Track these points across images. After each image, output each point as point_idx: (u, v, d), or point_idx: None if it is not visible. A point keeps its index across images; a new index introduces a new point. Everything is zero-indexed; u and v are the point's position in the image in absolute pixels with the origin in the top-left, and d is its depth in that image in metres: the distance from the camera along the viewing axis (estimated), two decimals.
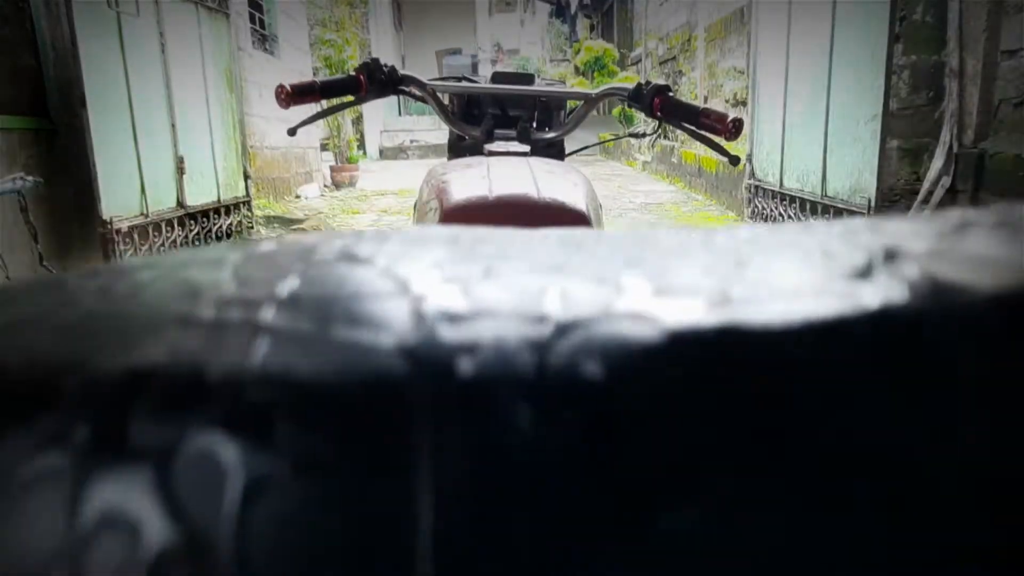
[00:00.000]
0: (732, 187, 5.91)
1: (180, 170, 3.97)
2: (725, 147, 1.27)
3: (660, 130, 1.34)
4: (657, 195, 7.44)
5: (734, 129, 1.16)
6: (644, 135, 1.37)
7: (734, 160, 1.32)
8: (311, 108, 1.33)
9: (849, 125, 3.61)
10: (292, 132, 1.35)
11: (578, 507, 0.12)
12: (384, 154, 15.11)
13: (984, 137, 4.35)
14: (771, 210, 4.63)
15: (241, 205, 4.80)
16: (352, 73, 1.28)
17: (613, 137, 1.64)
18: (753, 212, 4.98)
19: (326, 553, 0.12)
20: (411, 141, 14.69)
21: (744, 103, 6.32)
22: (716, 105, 7.46)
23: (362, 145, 13.28)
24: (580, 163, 1.37)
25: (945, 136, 4.53)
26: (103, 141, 3.22)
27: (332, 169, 8.60)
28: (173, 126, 3.91)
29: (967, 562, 0.12)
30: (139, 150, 3.55)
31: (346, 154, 8.95)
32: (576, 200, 0.89)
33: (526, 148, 1.17)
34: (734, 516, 0.12)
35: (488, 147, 1.17)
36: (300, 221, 5.73)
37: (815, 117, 3.92)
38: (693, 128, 1.22)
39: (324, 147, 9.27)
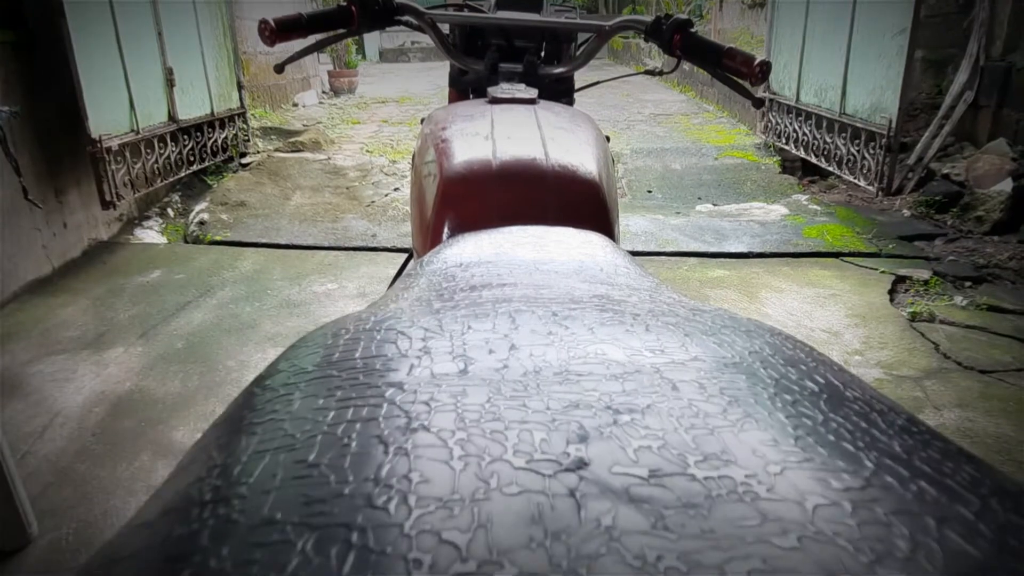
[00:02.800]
0: (745, 99, 5.68)
1: (170, 82, 3.80)
2: (749, 90, 1.17)
3: (677, 67, 1.23)
4: (667, 105, 7.17)
5: (761, 73, 1.06)
6: (660, 73, 1.27)
7: (758, 103, 1.22)
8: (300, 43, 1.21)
9: (874, 38, 3.40)
10: (279, 69, 1.24)
11: None
12: (384, 56, 14.51)
13: (1013, 50, 4.11)
14: (785, 126, 4.46)
15: (236, 117, 4.63)
16: (343, 3, 1.17)
17: (628, 74, 1.51)
18: (767, 127, 4.80)
19: None
20: (412, 43, 14.08)
21: (762, 4, 5.97)
22: (731, 3, 7.06)
23: (361, 48, 12.73)
24: (585, 68, 1.28)
25: (972, 47, 4.29)
26: (86, 53, 3.05)
27: (330, 75, 8.27)
28: (159, 34, 3.70)
29: None
30: (125, 62, 3.37)
31: (344, 58, 8.58)
32: (587, 165, 0.81)
33: (533, 93, 1.07)
34: None
35: (492, 92, 1.07)
36: (298, 132, 5.56)
37: (838, 27, 3.69)
38: (717, 69, 1.12)
39: (321, 50, 8.88)
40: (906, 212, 3.91)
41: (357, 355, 0.26)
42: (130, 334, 2.60)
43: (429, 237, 0.82)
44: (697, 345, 0.30)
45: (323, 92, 8.08)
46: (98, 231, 3.49)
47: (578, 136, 0.91)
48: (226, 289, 3.00)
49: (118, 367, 2.37)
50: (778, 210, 3.98)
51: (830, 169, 3.94)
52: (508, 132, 0.90)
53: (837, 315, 2.70)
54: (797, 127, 4.26)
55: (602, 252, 0.63)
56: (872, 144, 3.45)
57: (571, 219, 0.78)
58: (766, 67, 1.06)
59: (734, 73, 1.09)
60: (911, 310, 2.71)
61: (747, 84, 1.12)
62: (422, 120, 1.14)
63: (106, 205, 3.25)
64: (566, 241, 0.66)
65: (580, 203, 0.79)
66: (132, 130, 3.46)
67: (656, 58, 9.13)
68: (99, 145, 3.16)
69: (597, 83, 1.41)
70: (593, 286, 0.49)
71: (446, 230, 0.79)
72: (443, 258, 0.62)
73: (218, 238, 3.63)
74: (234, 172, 4.53)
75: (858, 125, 3.54)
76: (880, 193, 3.46)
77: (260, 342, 2.55)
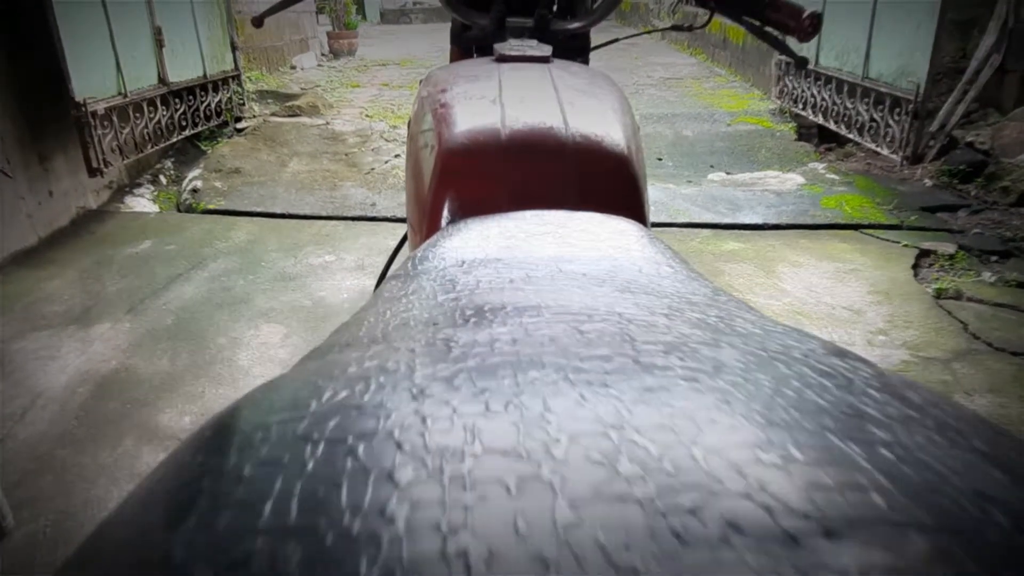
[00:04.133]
0: (759, 62, 5.46)
1: (159, 43, 3.62)
2: (793, 50, 1.03)
3: (709, 22, 1.08)
4: (677, 68, 6.94)
5: (811, 27, 0.92)
6: (691, 28, 1.12)
7: (802, 62, 1.07)
8: None
9: None
10: (258, 23, 1.10)
11: None
12: (385, 17, 14.15)
13: None
14: (802, 91, 4.27)
15: (230, 80, 4.46)
16: None
17: (653, 29, 1.34)
18: (782, 92, 4.61)
19: None
20: (415, 3, 13.70)
21: None
22: None
23: (361, 8, 12.39)
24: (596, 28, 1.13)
25: (1001, 8, 4.07)
26: (67, 11, 2.88)
27: (329, 36, 8.03)
28: None
29: None
30: (110, 20, 3.20)
31: (343, 19, 8.32)
32: (613, 135, 0.68)
33: (547, 51, 0.93)
34: None
35: (500, 49, 0.93)
36: (296, 96, 5.37)
37: None
38: (757, 23, 0.98)
39: (320, 10, 8.61)
40: (928, 182, 3.75)
41: (316, 466, 0.18)
42: (118, 309, 2.48)
43: (426, 221, 0.70)
44: (808, 431, 0.19)
45: (322, 54, 7.85)
46: (86, 199, 3.35)
47: (601, 101, 0.77)
48: (218, 261, 2.88)
49: (104, 344, 2.26)
50: (794, 179, 3.83)
51: (850, 136, 3.77)
52: (519, 95, 0.77)
53: (859, 291, 2.57)
54: (815, 92, 4.07)
55: (638, 246, 0.51)
56: (897, 110, 3.28)
57: (595, 201, 0.65)
58: (817, 21, 0.91)
59: (778, 27, 0.95)
60: (936, 286, 2.58)
61: (791, 40, 0.98)
62: (421, 82, 1.00)
63: (93, 172, 3.11)
64: (593, 231, 0.53)
65: (606, 182, 0.66)
66: (119, 93, 3.30)
67: (665, 19, 8.84)
68: (84, 109, 3.01)
69: (616, 40, 1.26)
70: (636, 300, 0.36)
71: (445, 213, 0.67)
72: (441, 254, 0.49)
73: (211, 207, 3.50)
74: (229, 137, 4.37)
75: (882, 90, 3.36)
76: (905, 162, 3.30)
77: (253, 318, 2.44)
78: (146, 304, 2.52)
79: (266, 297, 2.59)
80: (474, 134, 0.71)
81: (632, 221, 0.58)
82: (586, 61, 1.18)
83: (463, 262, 0.45)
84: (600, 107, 0.77)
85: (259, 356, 2.20)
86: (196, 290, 2.63)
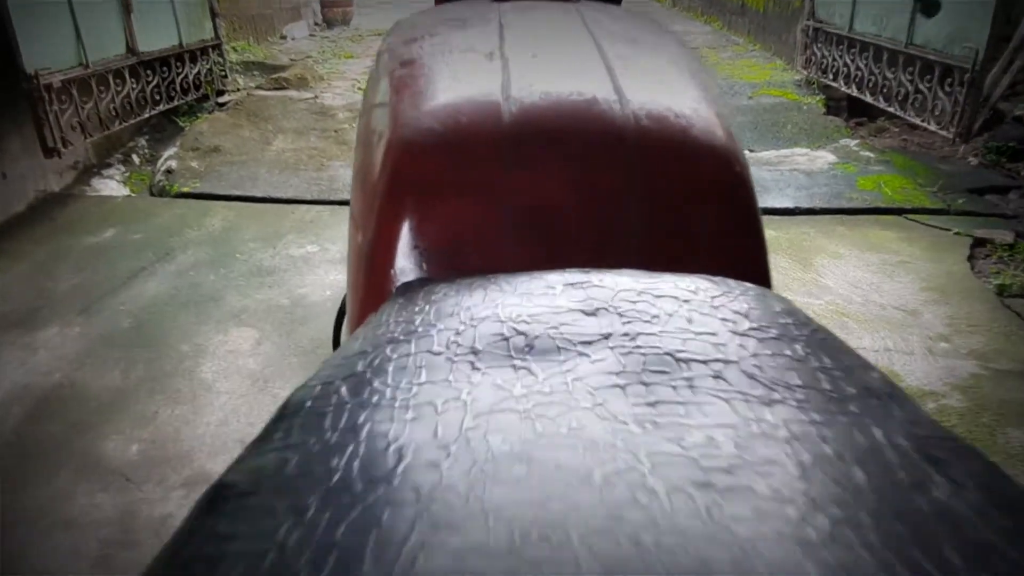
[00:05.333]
0: (783, 29, 5.08)
1: (126, 7, 3.28)
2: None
3: None
4: (691, 37, 6.55)
5: None
6: None
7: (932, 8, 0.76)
8: None
9: None
10: None
11: None
12: None
13: None
14: (834, 59, 3.91)
15: (210, 49, 4.12)
16: None
17: None
18: (808, 61, 4.25)
19: None
20: None
21: None
22: None
23: None
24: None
25: None
26: None
27: (323, 4, 7.63)
28: None
29: None
30: None
31: None
32: (703, 116, 0.39)
33: None
34: None
35: None
36: (283, 68, 5.03)
37: None
38: None
39: None
40: (972, 160, 3.41)
41: None
42: (69, 309, 2.19)
43: (363, 274, 0.41)
44: None
45: (315, 24, 7.47)
46: (47, 182, 3.05)
47: (669, 60, 0.47)
48: (188, 252, 2.58)
49: (49, 353, 1.97)
50: (825, 157, 3.49)
51: (889, 110, 3.43)
52: (532, 49, 0.47)
53: (910, 288, 2.27)
54: (849, 60, 3.72)
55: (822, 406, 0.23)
56: (948, 80, 2.94)
57: (680, 245, 0.36)
58: None
59: None
60: (998, 282, 2.28)
61: None
62: (385, 34, 0.69)
63: (49, 152, 2.80)
64: (700, 342, 0.27)
65: (698, 205, 0.37)
66: (80, 64, 2.97)
67: None
68: (36, 82, 2.69)
69: None
70: None
71: (396, 266, 0.38)
72: (385, 403, 0.25)
73: (186, 189, 3.19)
74: (209, 113, 4.05)
75: (931, 58, 3.02)
76: (957, 139, 2.97)
77: (222, 320, 2.14)
78: (102, 304, 2.22)
79: (239, 295, 2.30)
80: (453, 115, 0.41)
81: (778, 297, 0.29)
82: (618, 2, 0.86)
83: (422, 443, 0.22)
84: (670, 69, 0.47)
85: (225, 367, 1.91)
86: (160, 287, 2.34)
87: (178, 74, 3.77)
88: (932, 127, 3.09)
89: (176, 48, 3.74)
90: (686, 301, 0.28)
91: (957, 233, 2.64)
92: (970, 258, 2.48)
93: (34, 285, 2.35)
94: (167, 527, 1.41)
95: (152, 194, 3.24)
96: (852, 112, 4.05)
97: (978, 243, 2.58)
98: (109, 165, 3.44)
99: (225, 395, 1.80)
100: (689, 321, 0.27)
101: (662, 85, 0.44)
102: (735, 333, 0.26)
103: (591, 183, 0.38)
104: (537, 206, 0.38)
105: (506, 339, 0.26)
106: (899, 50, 3.22)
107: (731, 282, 0.31)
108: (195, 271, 2.44)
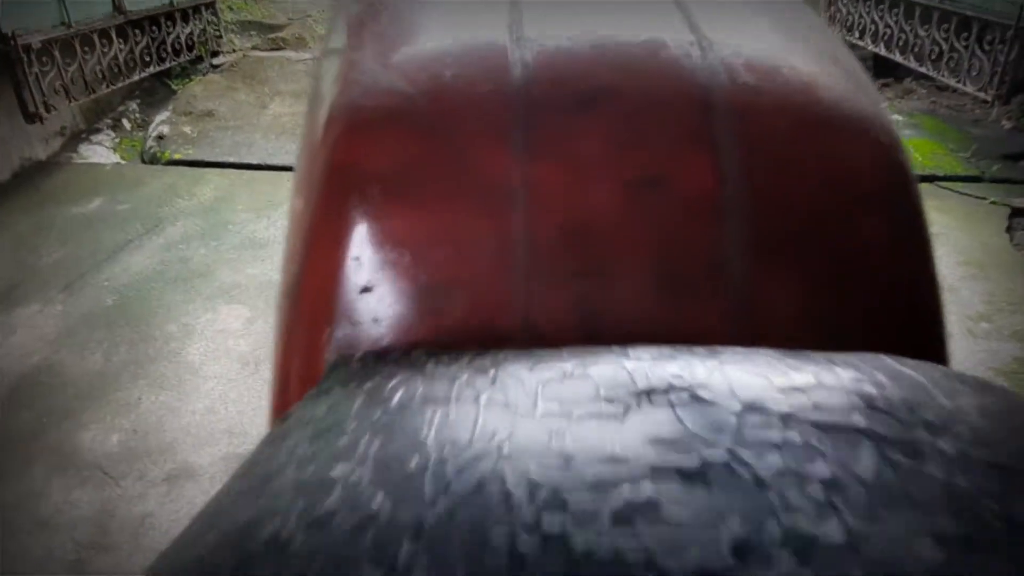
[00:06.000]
0: None
1: None
2: None
3: None
4: None
5: None
6: None
7: None
8: None
9: None
10: None
11: None
12: None
13: None
14: (860, 16, 3.69)
15: (203, 8, 3.92)
16: None
17: None
18: (832, 18, 4.02)
19: None
20: None
21: None
22: None
23: None
24: None
25: None
26: None
27: None
28: None
29: None
30: None
31: None
32: (838, 77, 0.25)
33: None
34: None
35: None
36: (281, 27, 4.83)
37: None
38: None
39: None
40: (1006, 123, 3.22)
41: None
42: (51, 285, 2.08)
43: (286, 331, 0.28)
44: None
45: None
46: (32, 149, 2.91)
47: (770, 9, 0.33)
48: (178, 224, 2.45)
49: (28, 332, 1.86)
50: None
51: (921, 70, 3.23)
52: None
53: (946, 262, 2.11)
54: (877, 17, 3.50)
55: None
56: (988, 38, 2.74)
57: (812, 287, 0.23)
58: None
59: None
60: None
61: None
62: None
63: (30, 118, 2.66)
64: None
65: (842, 220, 0.24)
66: (62, 23, 2.81)
67: None
68: (14, 43, 2.53)
69: None
70: None
71: (335, 331, 0.25)
72: None
73: (177, 156, 3.05)
74: (203, 75, 3.87)
75: (968, 14, 2.81)
76: (996, 102, 2.78)
77: (211, 297, 2.02)
78: (85, 280, 2.11)
79: (230, 269, 2.17)
80: (432, 68, 0.28)
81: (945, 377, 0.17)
82: None
83: None
84: (776, 16, 0.33)
85: (214, 349, 1.80)
86: (147, 261, 2.21)
87: (169, 34, 3.59)
88: (968, 88, 2.90)
89: (167, 6, 3.55)
90: (885, 437, 0.15)
91: (993, 202, 2.49)
92: (1008, 229, 2.33)
93: (15, 259, 2.23)
94: (146, 527, 1.31)
95: (143, 161, 3.10)
96: (878, 73, 3.84)
97: (1016, 213, 2.41)
98: (98, 131, 3.29)
99: (213, 380, 1.69)
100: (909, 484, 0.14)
101: (765, 31, 0.30)
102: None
103: (657, 180, 0.25)
104: (571, 221, 0.25)
105: (519, 560, 0.13)
106: (933, 5, 3.01)
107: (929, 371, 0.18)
108: (185, 244, 2.32)
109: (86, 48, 2.97)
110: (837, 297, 0.27)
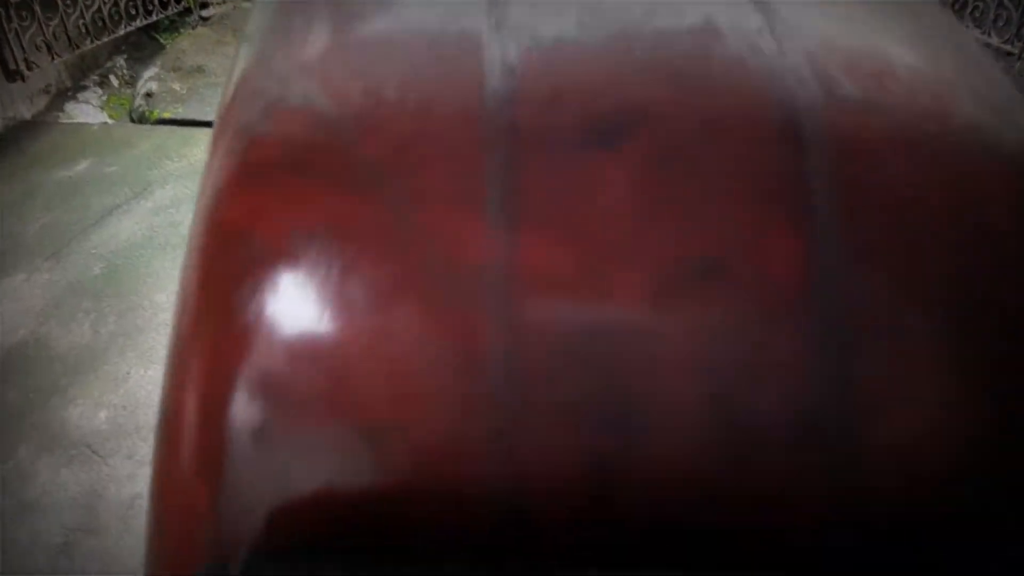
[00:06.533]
0: None
1: None
2: None
3: None
4: None
5: None
6: None
7: None
8: None
9: None
10: None
11: None
12: None
13: None
14: None
15: None
16: None
17: None
18: None
19: None
20: None
21: None
22: None
23: None
24: None
25: None
26: None
27: None
28: None
29: None
30: None
31: None
32: (973, 89, 0.18)
33: None
34: None
35: None
36: None
37: None
38: None
39: None
40: None
41: None
42: (37, 254, 2.02)
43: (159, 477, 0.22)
44: None
45: None
46: (16, 108, 2.81)
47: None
48: (167, 187, 2.37)
49: (14, 304, 1.81)
50: None
51: None
52: None
53: None
54: None
55: None
56: None
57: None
58: None
59: None
60: None
61: None
62: None
63: (11, 75, 2.56)
64: None
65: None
66: None
67: None
68: None
69: None
70: None
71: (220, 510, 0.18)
72: None
73: (167, 115, 2.95)
74: (192, 28, 3.73)
75: None
76: (1023, 55, 2.64)
77: None
78: (72, 247, 2.04)
79: None
80: (368, 76, 0.19)
81: None
82: None
83: None
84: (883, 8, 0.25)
85: None
86: (136, 227, 2.15)
87: None
88: (993, 40, 2.75)
89: None
90: None
91: None
92: None
93: (0, 226, 2.16)
94: (135, 509, 1.28)
95: (132, 120, 3.00)
96: None
97: None
98: (85, 88, 3.18)
99: None
100: None
101: (869, 24, 0.22)
102: None
103: (715, 268, 0.16)
104: (577, 329, 0.16)
105: None
106: None
107: None
108: (174, 208, 2.25)
109: (68, 1, 2.84)
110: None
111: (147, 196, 2.32)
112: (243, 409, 0.19)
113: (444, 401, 0.17)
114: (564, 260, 0.17)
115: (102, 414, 1.48)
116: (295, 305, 0.19)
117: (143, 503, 1.30)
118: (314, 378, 0.18)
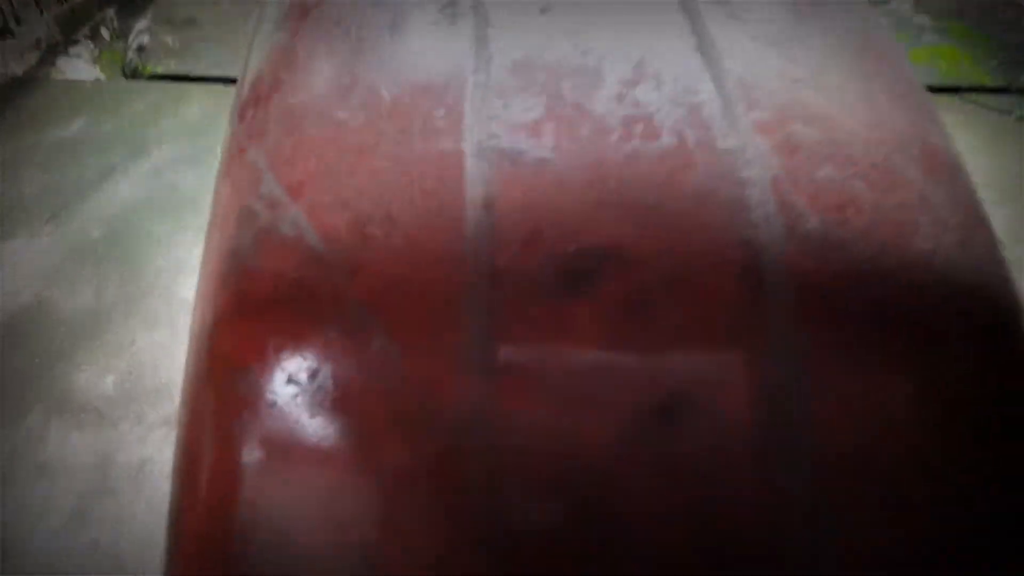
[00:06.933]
0: None
1: None
2: None
3: None
4: None
5: None
6: None
7: None
8: None
9: None
10: None
11: None
12: None
13: None
14: None
15: None
16: None
17: None
18: None
19: None
20: None
21: None
22: None
23: None
24: None
25: None
26: None
27: None
28: None
29: None
30: None
31: None
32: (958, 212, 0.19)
33: None
34: None
35: None
36: None
37: None
38: None
39: None
40: None
41: None
42: (35, 217, 2.01)
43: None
44: None
45: None
46: (7, 65, 2.76)
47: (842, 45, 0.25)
48: (164, 147, 2.35)
49: (16, 267, 1.82)
50: None
51: None
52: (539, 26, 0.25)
53: None
54: None
55: None
56: None
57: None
58: None
59: None
60: None
61: None
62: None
63: (0, 32, 2.50)
64: None
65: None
66: None
67: None
68: None
69: None
70: None
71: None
72: None
73: (160, 70, 2.89)
74: None
75: None
76: None
77: (201, 229, 1.94)
78: (71, 210, 2.04)
79: None
80: (355, 208, 0.20)
81: None
82: None
83: None
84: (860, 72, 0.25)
85: None
86: (133, 189, 2.14)
87: None
88: None
89: None
90: None
91: (1020, 118, 2.36)
92: None
93: None
94: (146, 473, 1.31)
95: (125, 76, 2.94)
96: None
97: None
98: (76, 42, 3.11)
99: None
100: None
101: (825, 106, 0.22)
102: None
103: (683, 407, 0.17)
104: (556, 473, 0.17)
105: None
106: None
107: None
108: (171, 170, 2.23)
109: None
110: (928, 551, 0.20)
111: (144, 156, 2.30)
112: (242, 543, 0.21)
113: (429, 526, 0.19)
114: (537, 406, 0.18)
115: (109, 379, 1.51)
116: (288, 443, 0.20)
117: (153, 467, 1.34)
118: (303, 514, 0.20)
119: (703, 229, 0.19)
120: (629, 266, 0.18)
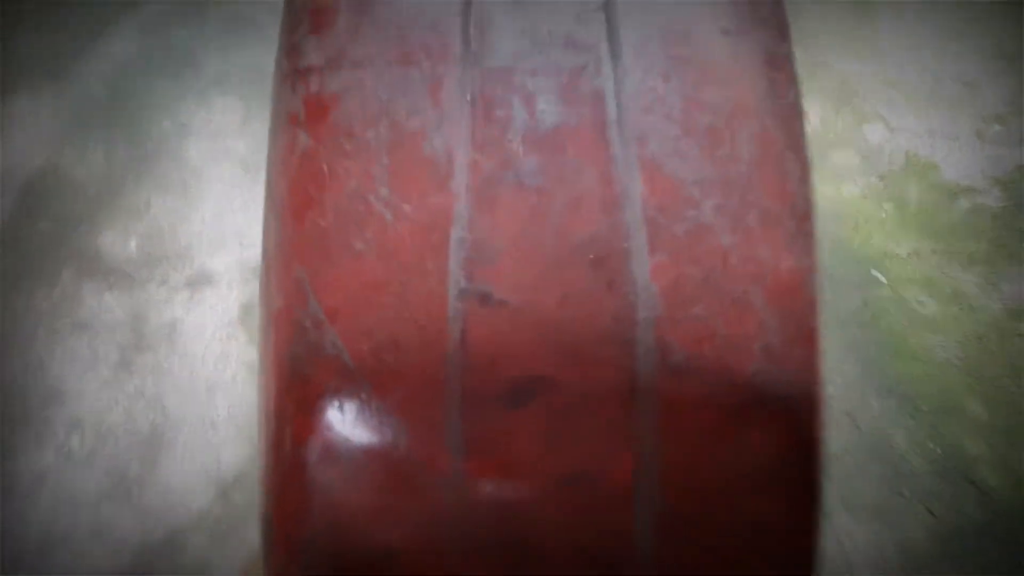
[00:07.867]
0: None
1: None
2: None
3: None
4: None
5: None
6: None
7: None
8: None
9: None
10: None
11: None
12: None
13: None
14: None
15: None
16: None
17: None
18: None
19: None
20: None
21: None
22: None
23: None
24: None
25: None
26: None
27: None
28: None
29: None
30: None
31: None
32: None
33: None
34: None
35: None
36: None
37: None
38: None
39: None
40: None
41: None
42: (35, 74, 2.00)
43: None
44: None
45: None
46: None
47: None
48: (153, 2, 2.27)
49: (26, 130, 1.84)
50: None
51: None
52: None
53: (977, 55, 2.00)
54: None
55: None
56: None
57: None
58: None
59: None
60: None
61: None
62: None
63: None
64: None
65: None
66: None
67: None
68: None
69: None
70: None
71: None
72: None
73: None
74: None
75: None
76: None
77: (202, 90, 1.96)
78: (69, 70, 2.02)
79: (218, 57, 2.06)
80: (372, 336, 0.30)
81: None
82: None
83: None
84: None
85: (212, 150, 1.79)
86: (128, 47, 2.09)
87: None
88: None
89: None
90: None
91: None
92: None
93: None
94: (177, 332, 1.43)
95: None
96: None
97: None
98: None
99: (216, 183, 1.72)
100: None
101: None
102: None
103: (582, 476, 0.27)
104: (504, 515, 0.28)
105: None
106: None
107: None
108: (164, 25, 2.17)
109: None
110: (733, 570, 0.30)
111: (134, 11, 2.22)
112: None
113: (417, 553, 0.30)
114: (493, 477, 0.27)
115: (132, 243, 1.59)
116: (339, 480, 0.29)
117: (183, 327, 1.46)
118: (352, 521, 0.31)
119: (603, 363, 0.28)
120: (555, 389, 0.28)
